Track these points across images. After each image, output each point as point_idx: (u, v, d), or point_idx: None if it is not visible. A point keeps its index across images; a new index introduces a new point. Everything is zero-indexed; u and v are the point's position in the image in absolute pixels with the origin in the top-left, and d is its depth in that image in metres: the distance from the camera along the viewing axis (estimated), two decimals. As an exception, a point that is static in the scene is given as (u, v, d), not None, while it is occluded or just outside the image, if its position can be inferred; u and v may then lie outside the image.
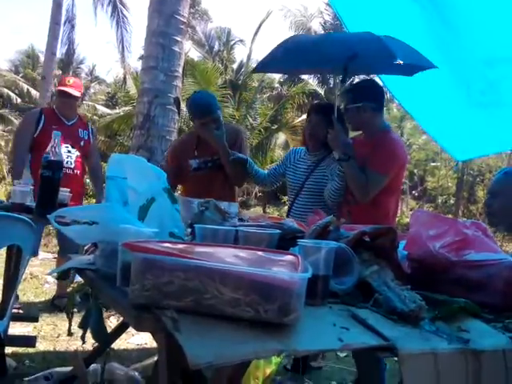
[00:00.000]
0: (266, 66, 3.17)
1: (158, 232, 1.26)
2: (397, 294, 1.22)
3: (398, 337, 1.06)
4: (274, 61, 2.98)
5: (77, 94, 4.09)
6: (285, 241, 1.43)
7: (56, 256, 6.39)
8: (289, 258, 1.16)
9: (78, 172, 4.06)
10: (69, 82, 4.09)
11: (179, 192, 3.44)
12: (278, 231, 1.40)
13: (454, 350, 1.07)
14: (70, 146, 4.00)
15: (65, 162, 3.89)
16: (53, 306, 4.20)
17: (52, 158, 2.39)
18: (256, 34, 18.08)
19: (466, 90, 3.66)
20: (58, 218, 1.39)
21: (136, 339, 3.60)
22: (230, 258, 1.10)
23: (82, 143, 4.10)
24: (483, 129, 3.74)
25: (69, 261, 1.53)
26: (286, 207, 3.47)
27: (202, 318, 0.96)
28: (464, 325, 1.19)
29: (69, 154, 3.98)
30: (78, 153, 4.04)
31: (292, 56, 2.89)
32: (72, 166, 3.99)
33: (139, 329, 1.00)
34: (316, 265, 1.19)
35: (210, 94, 3.58)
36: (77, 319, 1.61)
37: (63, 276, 1.54)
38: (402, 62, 2.64)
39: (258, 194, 18.48)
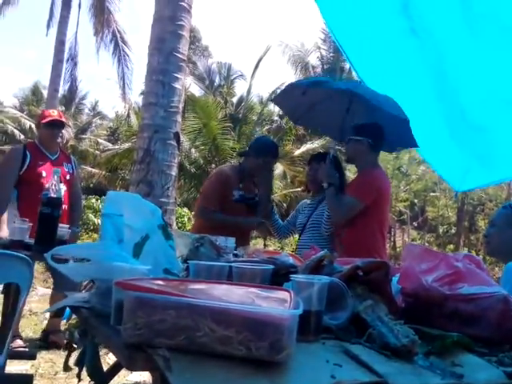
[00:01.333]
0: (279, 101, 3.80)
1: (152, 269, 1.27)
2: (390, 328, 1.23)
3: (390, 372, 1.06)
4: (286, 101, 3.51)
5: (64, 120, 4.17)
6: (279, 276, 1.44)
7: (55, 292, 6.36)
8: (281, 293, 1.16)
9: (67, 207, 4.07)
10: (53, 112, 4.14)
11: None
12: (271, 267, 1.41)
13: (448, 386, 1.07)
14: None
15: None
16: (45, 341, 4.14)
17: (52, 195, 2.42)
18: (256, 68, 18.40)
19: (465, 121, 3.72)
20: (54, 255, 1.40)
21: (134, 376, 3.55)
22: (223, 294, 1.11)
23: (68, 177, 4.13)
24: (481, 160, 3.79)
25: (64, 299, 1.54)
26: (287, 240, 3.99)
27: (194, 357, 0.96)
28: (458, 359, 1.19)
29: None
30: (65, 187, 4.06)
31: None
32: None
33: (131, 368, 1.00)
34: (309, 300, 1.19)
35: None
36: (75, 356, 1.61)
37: (58, 314, 1.54)
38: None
39: (260, 227, 18.41)
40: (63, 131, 4.20)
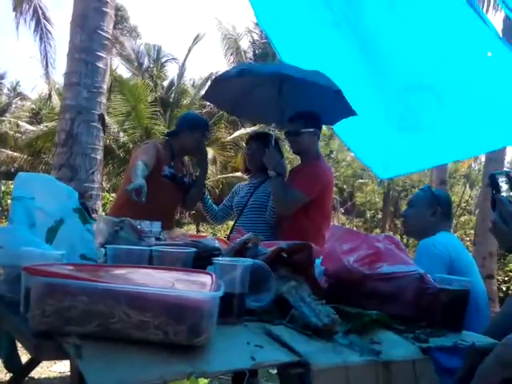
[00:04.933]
0: (209, 96, 3.53)
1: (67, 254, 1.20)
2: (312, 309, 1.24)
3: (311, 352, 1.07)
4: (216, 94, 3.32)
5: None
6: (203, 259, 1.41)
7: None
8: (203, 277, 1.14)
9: None
10: None
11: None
12: (193, 250, 1.38)
13: (365, 362, 1.10)
14: None
15: None
16: None
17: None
18: (189, 52, 18.10)
19: (386, 113, 3.81)
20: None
21: (58, 367, 3.43)
22: (141, 279, 1.06)
23: None
24: (403, 149, 3.90)
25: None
26: (220, 225, 3.68)
27: (107, 344, 0.91)
28: (376, 337, 1.22)
29: None
30: None
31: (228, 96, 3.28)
32: None
33: (40, 357, 0.94)
34: (232, 283, 1.18)
35: None
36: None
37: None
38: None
39: (192, 212, 18.27)
40: None
